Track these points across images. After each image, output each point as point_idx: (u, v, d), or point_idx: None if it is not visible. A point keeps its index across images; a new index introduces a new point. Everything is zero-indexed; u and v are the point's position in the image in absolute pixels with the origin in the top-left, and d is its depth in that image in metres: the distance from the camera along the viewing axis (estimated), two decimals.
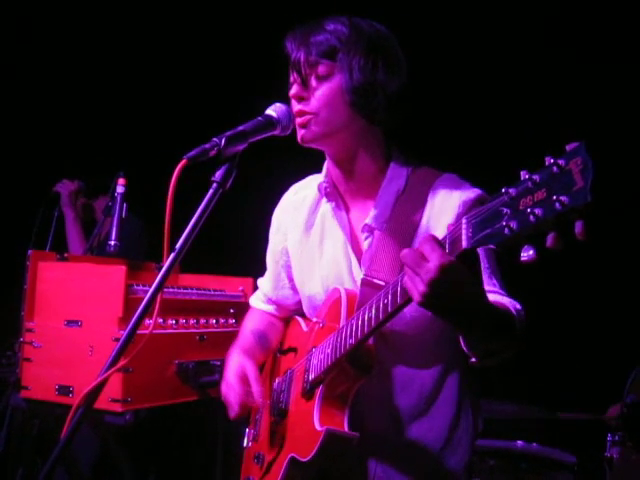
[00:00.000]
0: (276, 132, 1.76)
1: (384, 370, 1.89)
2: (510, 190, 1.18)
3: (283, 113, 1.76)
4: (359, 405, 1.82)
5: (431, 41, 4.13)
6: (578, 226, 1.07)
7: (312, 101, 1.84)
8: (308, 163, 2.12)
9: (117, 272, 2.71)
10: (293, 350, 2.14)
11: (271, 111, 1.76)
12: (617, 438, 3.28)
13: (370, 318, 1.62)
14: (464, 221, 1.29)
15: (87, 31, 5.03)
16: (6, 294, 3.21)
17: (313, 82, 1.84)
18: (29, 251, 2.92)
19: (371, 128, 1.90)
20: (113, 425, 2.68)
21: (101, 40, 5.05)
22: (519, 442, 3.67)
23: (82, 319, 2.74)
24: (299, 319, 2.21)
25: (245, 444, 2.27)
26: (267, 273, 2.30)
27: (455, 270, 1.35)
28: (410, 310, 1.75)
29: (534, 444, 3.66)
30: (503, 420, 3.62)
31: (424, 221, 1.84)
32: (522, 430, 3.73)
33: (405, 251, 1.41)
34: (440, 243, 1.38)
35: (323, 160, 2.03)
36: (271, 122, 1.74)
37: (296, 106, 1.86)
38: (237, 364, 2.10)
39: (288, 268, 2.19)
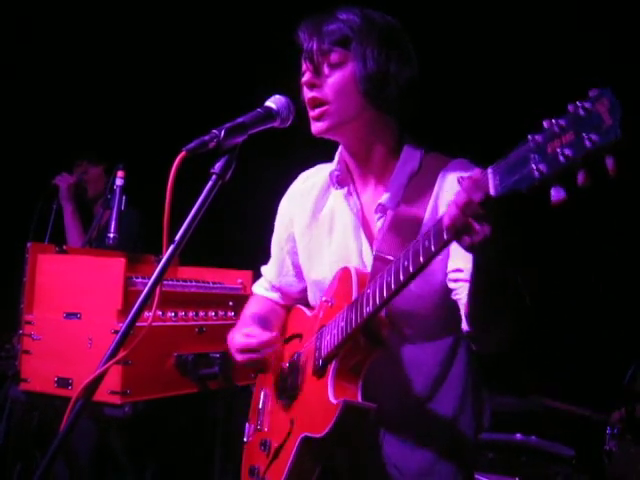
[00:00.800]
0: (275, 124, 1.75)
1: (391, 352, 1.89)
2: (536, 137, 1.20)
3: (282, 105, 1.75)
4: (367, 388, 1.82)
5: (440, 31, 4.12)
6: (609, 162, 1.09)
7: (324, 88, 1.86)
8: (309, 155, 2.13)
9: (116, 264, 2.71)
10: (297, 336, 2.13)
11: (270, 103, 1.75)
12: (616, 431, 3.28)
13: (389, 282, 1.61)
14: (490, 171, 1.30)
15: (87, 23, 5.02)
16: (5, 286, 3.21)
17: (325, 70, 1.86)
18: (28, 243, 2.92)
19: (383, 117, 1.92)
20: (112, 417, 2.68)
21: (100, 31, 5.04)
22: (518, 435, 3.68)
23: (81, 311, 2.74)
24: (301, 307, 2.21)
25: (246, 439, 2.26)
26: (271, 260, 2.31)
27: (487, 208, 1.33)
28: (416, 286, 1.74)
29: (533, 437, 3.67)
30: (502, 413, 3.62)
31: (431, 204, 1.86)
32: (521, 423, 3.74)
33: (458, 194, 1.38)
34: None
35: (325, 152, 2.05)
36: (270, 114, 1.73)
37: (308, 94, 1.88)
38: (239, 332, 2.09)
39: (293, 255, 2.20)
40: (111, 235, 3.32)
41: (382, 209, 1.92)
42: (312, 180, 2.16)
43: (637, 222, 3.98)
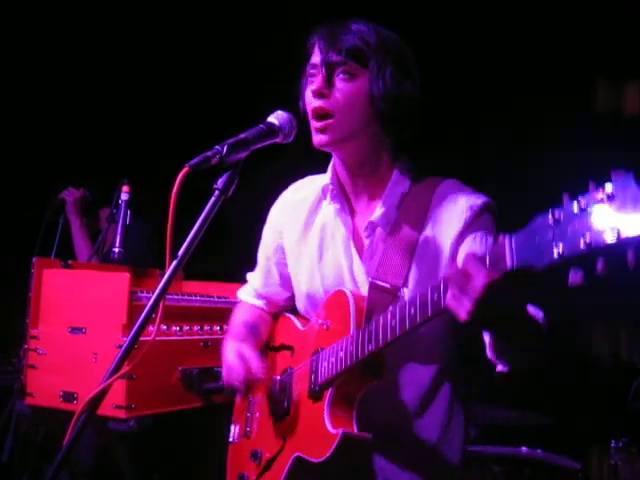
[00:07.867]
0: (278, 140, 1.76)
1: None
2: (557, 213, 1.16)
3: (285, 121, 1.76)
4: (361, 403, 1.82)
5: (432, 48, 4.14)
6: (630, 254, 1.06)
7: (332, 99, 1.85)
8: (311, 168, 2.13)
9: (121, 279, 2.72)
10: (288, 348, 2.14)
11: (273, 119, 1.76)
12: (621, 445, 3.26)
13: (394, 327, 1.63)
14: (507, 241, 1.29)
15: (93, 39, 5.05)
16: (11, 301, 3.22)
17: (336, 81, 1.85)
18: (34, 258, 2.94)
19: (384, 134, 1.92)
20: (117, 431, 2.68)
21: (106, 46, 5.08)
22: (523, 448, 3.65)
23: (86, 326, 2.75)
24: (291, 316, 2.21)
25: (231, 439, 2.26)
26: (258, 268, 2.32)
27: (501, 288, 1.34)
28: None
29: (538, 450, 3.64)
30: (507, 426, 3.61)
31: (428, 226, 1.87)
32: (526, 436, 3.72)
33: (449, 272, 1.43)
34: (483, 261, 1.36)
35: (323, 163, 2.05)
36: (273, 130, 1.74)
37: (315, 102, 1.87)
38: (233, 349, 2.12)
39: (280, 266, 2.21)
40: (116, 250, 3.33)
41: (372, 227, 1.93)
42: (303, 193, 2.15)
43: None
